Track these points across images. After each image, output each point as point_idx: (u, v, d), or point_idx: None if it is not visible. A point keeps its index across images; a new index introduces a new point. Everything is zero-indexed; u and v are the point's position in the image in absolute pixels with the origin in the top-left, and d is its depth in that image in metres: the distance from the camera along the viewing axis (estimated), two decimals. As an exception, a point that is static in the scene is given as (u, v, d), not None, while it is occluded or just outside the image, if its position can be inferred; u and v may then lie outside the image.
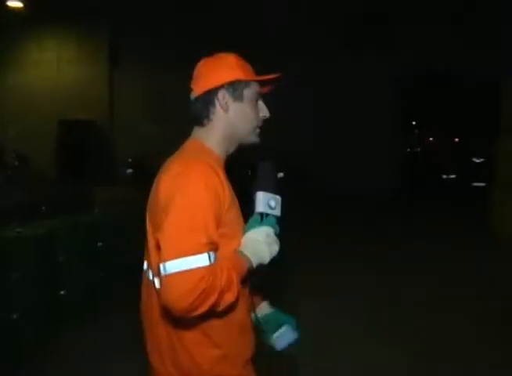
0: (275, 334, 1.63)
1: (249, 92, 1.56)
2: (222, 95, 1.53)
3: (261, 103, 1.61)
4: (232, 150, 1.59)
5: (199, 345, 1.45)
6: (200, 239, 1.33)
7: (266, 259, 1.46)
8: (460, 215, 9.86)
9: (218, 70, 1.54)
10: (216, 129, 1.55)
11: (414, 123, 14.96)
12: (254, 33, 11.95)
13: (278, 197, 1.54)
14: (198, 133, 1.57)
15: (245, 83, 1.55)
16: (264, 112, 1.61)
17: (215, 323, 1.44)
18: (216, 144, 1.55)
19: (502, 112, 8.27)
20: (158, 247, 1.37)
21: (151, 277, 1.51)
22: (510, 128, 7.84)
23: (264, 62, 2.80)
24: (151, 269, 1.50)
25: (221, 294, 1.32)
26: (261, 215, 1.50)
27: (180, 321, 1.42)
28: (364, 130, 12.78)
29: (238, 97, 1.54)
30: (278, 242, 1.50)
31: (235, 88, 1.54)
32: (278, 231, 1.52)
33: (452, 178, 15.23)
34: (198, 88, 1.55)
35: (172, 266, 1.29)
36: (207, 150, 1.52)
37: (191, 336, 1.44)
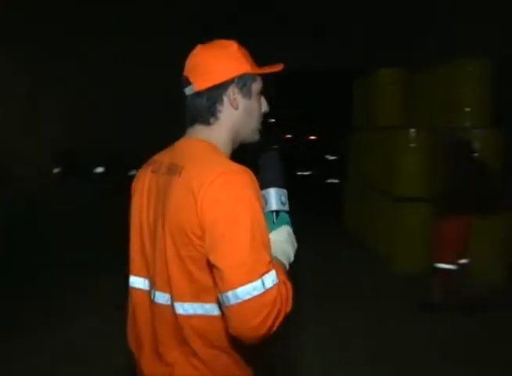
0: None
1: (256, 87, 1.44)
2: (232, 91, 1.39)
3: (262, 98, 1.48)
4: (235, 147, 1.45)
5: (228, 365, 1.35)
6: (266, 256, 1.21)
7: (292, 258, 1.40)
8: (316, 210, 10.03)
9: (226, 62, 1.38)
10: (224, 128, 1.40)
11: (273, 120, 15.23)
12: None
13: (285, 191, 1.47)
14: (201, 132, 1.40)
15: (253, 77, 1.42)
16: (264, 107, 1.49)
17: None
18: (223, 145, 1.40)
19: (353, 110, 8.53)
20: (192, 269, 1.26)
21: (161, 300, 1.35)
22: (360, 125, 8.10)
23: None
24: (160, 289, 1.34)
25: (286, 308, 1.23)
26: (274, 212, 1.42)
27: (200, 341, 1.31)
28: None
29: (247, 93, 1.41)
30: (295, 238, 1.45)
31: (244, 82, 1.40)
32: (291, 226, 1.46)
33: (308, 175, 15.75)
34: (201, 81, 1.36)
35: (245, 292, 1.16)
36: (221, 152, 1.37)
37: (214, 353, 1.33)
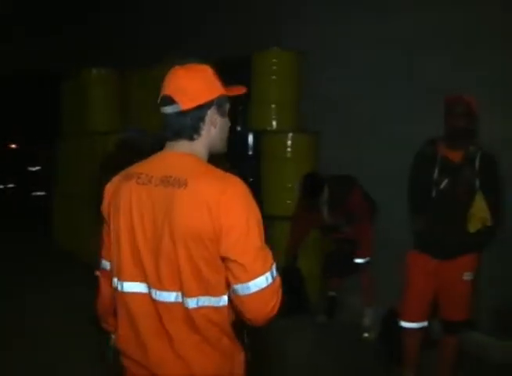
0: None
1: (227, 106, 1.66)
2: (212, 112, 1.59)
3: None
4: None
5: (233, 347, 1.59)
6: (270, 251, 1.49)
7: None
8: (23, 227, 8.88)
9: (208, 85, 1.58)
10: (203, 143, 1.61)
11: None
12: None
13: None
14: (185, 147, 1.59)
15: (225, 98, 1.63)
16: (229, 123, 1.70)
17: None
18: (204, 156, 1.62)
19: (62, 114, 7.80)
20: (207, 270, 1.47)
21: (168, 298, 1.50)
22: (69, 131, 7.47)
23: None
24: (168, 289, 1.50)
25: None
26: None
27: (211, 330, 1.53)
28: None
29: (223, 113, 1.64)
30: None
31: (221, 104, 1.61)
32: None
33: (11, 188, 14.10)
34: (188, 101, 1.55)
35: (263, 281, 1.43)
36: (211, 165, 1.59)
37: (226, 339, 1.57)
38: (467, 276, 3.21)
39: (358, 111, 4.83)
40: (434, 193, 3.12)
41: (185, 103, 1.54)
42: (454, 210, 3.12)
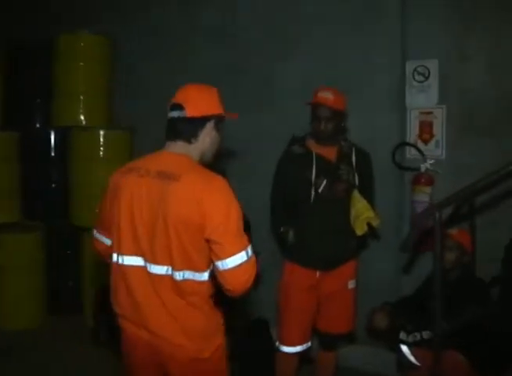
0: None
1: (221, 125, 1.99)
2: (211, 125, 1.93)
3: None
4: None
5: (213, 311, 1.95)
6: (246, 236, 1.82)
7: None
8: None
9: (212, 102, 1.95)
10: (198, 148, 1.93)
11: None
12: None
13: None
14: (182, 148, 1.92)
15: (223, 117, 1.98)
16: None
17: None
18: (195, 160, 1.93)
19: None
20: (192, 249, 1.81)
21: (160, 271, 1.83)
22: None
23: None
24: (160, 263, 1.83)
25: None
26: None
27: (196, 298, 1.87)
28: None
29: (218, 129, 1.97)
30: None
31: (219, 120, 1.97)
32: None
33: None
34: (195, 109, 1.88)
35: (239, 258, 1.75)
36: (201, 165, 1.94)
37: (207, 306, 1.92)
38: (352, 285, 2.95)
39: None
40: (312, 197, 2.78)
41: (192, 110, 1.89)
42: (335, 213, 2.82)
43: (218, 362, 1.94)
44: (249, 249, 1.80)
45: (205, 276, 1.86)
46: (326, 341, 3.04)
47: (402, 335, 2.68)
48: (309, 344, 3.00)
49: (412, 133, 3.53)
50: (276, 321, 3.09)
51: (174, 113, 1.91)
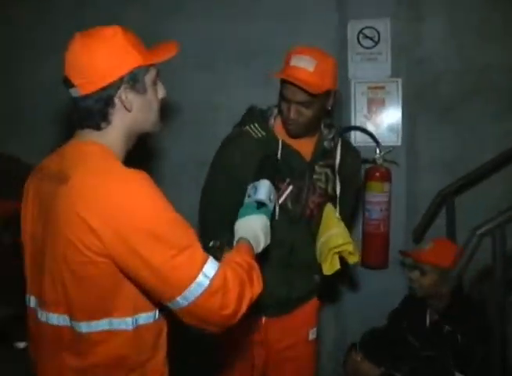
0: None
1: (150, 78, 1.27)
2: (124, 92, 1.22)
3: (159, 84, 1.32)
4: (131, 145, 1.31)
5: None
6: (196, 249, 1.14)
7: (259, 249, 1.39)
8: None
9: (113, 58, 1.20)
10: (117, 131, 1.26)
11: None
12: None
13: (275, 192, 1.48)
14: (92, 136, 1.25)
15: (145, 68, 1.24)
16: (162, 92, 1.32)
17: None
18: (118, 146, 1.27)
19: None
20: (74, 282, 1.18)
21: (56, 321, 1.24)
22: None
23: None
24: (53, 311, 1.24)
25: (253, 289, 1.20)
26: (258, 204, 1.41)
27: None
28: None
29: (141, 89, 1.25)
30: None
31: (135, 78, 1.23)
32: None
33: None
34: (86, 84, 1.20)
35: (193, 292, 1.12)
36: (113, 155, 1.24)
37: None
38: (313, 334, 2.01)
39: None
40: None
41: (84, 86, 1.21)
42: (298, 237, 1.82)
43: None
44: (207, 266, 1.14)
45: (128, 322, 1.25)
46: None
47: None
48: None
49: (358, 114, 2.71)
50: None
51: (71, 92, 1.25)
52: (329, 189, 1.86)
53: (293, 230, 1.83)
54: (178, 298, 1.13)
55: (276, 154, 1.75)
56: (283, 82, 1.71)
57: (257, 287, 1.22)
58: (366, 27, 2.69)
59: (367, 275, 2.69)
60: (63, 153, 1.31)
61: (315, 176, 1.83)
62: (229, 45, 2.84)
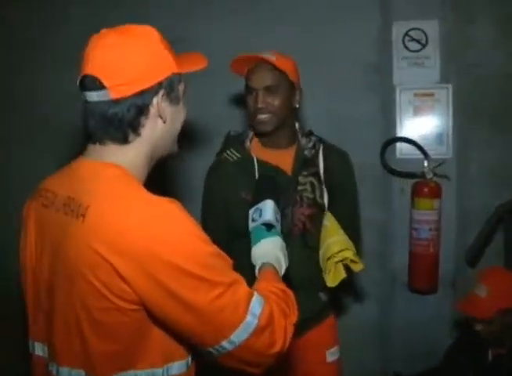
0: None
1: (182, 88, 1.12)
2: (161, 99, 1.06)
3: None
4: (151, 168, 1.15)
5: None
6: (241, 286, 1.03)
7: (282, 271, 1.30)
8: None
9: (153, 59, 1.05)
10: (144, 147, 1.09)
11: None
12: None
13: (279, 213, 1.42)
14: (113, 153, 1.07)
15: (178, 76, 1.10)
16: (187, 107, 1.18)
17: None
18: (140, 167, 1.10)
19: None
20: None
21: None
22: None
23: None
24: (68, 364, 1.08)
25: (293, 317, 1.09)
26: (267, 225, 1.35)
27: None
28: None
29: (174, 99, 1.10)
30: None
31: (172, 86, 1.08)
32: None
33: None
34: (122, 86, 1.02)
35: (241, 334, 1.00)
36: (136, 180, 1.06)
37: None
38: (333, 356, 1.87)
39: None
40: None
41: (118, 89, 1.02)
42: (295, 255, 1.63)
43: None
44: (253, 303, 1.02)
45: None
46: None
47: None
48: None
49: (404, 123, 2.49)
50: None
51: (91, 96, 1.05)
52: (318, 198, 1.80)
53: (287, 248, 1.68)
54: (224, 343, 1.01)
55: (267, 174, 1.71)
56: (248, 75, 1.75)
57: (296, 315, 1.12)
58: (413, 29, 2.47)
59: (414, 300, 2.47)
60: (72, 174, 1.13)
61: (300, 188, 1.79)
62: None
